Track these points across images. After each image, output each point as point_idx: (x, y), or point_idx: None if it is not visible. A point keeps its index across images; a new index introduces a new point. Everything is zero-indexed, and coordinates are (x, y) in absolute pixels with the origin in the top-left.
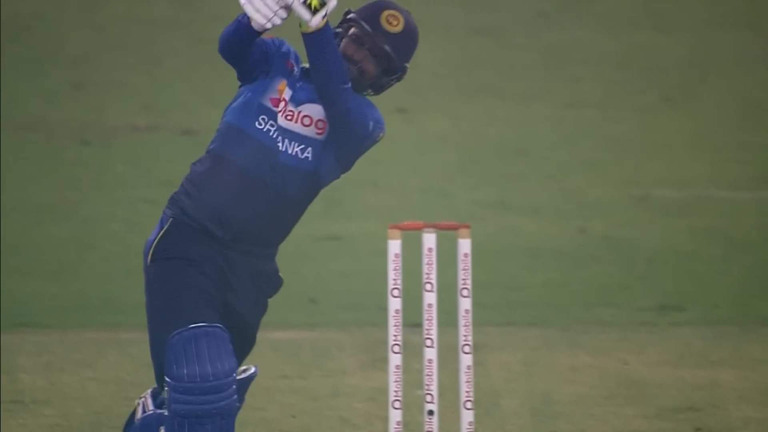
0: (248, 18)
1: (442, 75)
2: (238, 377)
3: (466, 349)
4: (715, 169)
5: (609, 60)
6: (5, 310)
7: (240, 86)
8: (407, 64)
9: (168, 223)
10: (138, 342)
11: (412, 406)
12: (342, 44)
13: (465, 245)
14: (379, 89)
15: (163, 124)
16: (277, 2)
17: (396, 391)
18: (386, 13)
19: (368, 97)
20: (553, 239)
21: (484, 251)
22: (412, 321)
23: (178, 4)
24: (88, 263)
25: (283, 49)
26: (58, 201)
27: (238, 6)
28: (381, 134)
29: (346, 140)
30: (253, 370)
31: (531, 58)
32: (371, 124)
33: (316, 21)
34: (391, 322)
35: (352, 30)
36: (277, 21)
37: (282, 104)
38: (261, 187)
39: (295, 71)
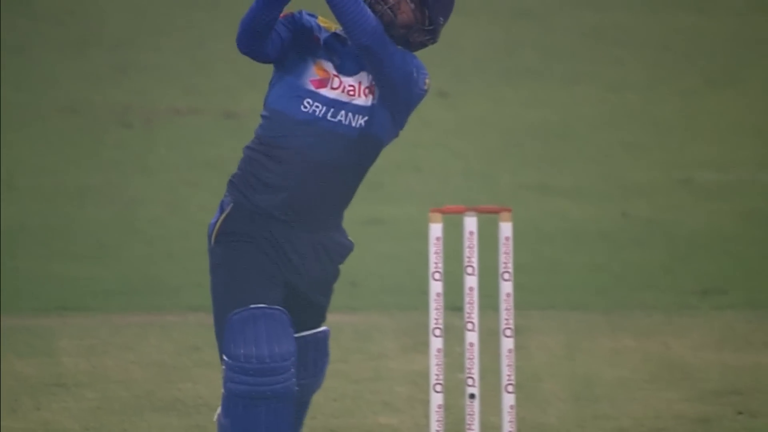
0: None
1: (483, 58)
2: (309, 333)
3: (508, 332)
4: (758, 151)
5: (652, 42)
6: (48, 293)
7: (275, 70)
8: (442, 21)
9: (229, 207)
10: (180, 325)
11: (454, 389)
12: None
13: (506, 228)
14: (411, 45)
15: (205, 107)
16: None
17: (437, 375)
18: None
19: None
20: (596, 222)
21: (526, 234)
22: (454, 304)
23: None
24: (130, 246)
25: (305, 22)
26: (100, 184)
27: None
28: (427, 80)
29: (395, 94)
30: (323, 328)
31: (573, 41)
32: (413, 70)
33: None
34: (433, 305)
35: None
36: None
37: (324, 80)
38: (320, 167)
39: (322, 44)
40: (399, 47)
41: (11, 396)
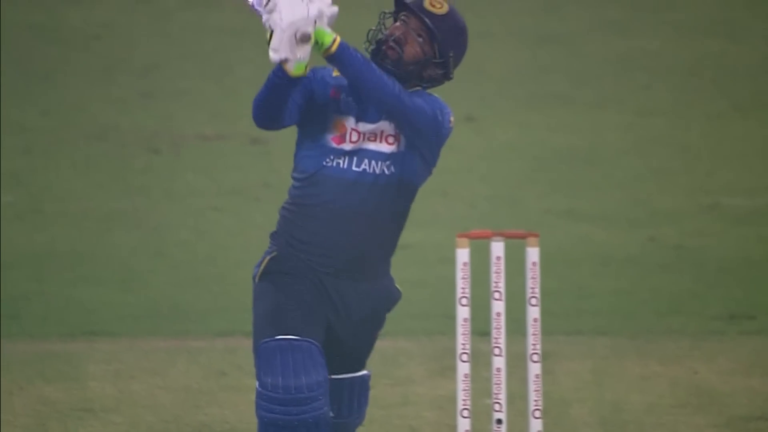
0: (281, 71)
1: (510, 83)
2: (347, 376)
3: (535, 357)
4: None
5: (679, 68)
6: (75, 318)
7: (298, 130)
8: (452, 54)
9: (274, 252)
10: (207, 350)
11: (481, 414)
12: (390, 28)
13: (533, 254)
14: (426, 81)
15: (232, 132)
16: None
17: (464, 400)
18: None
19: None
20: (623, 247)
21: (553, 259)
22: (481, 329)
23: (247, 12)
24: (157, 271)
25: (318, 83)
26: (127, 209)
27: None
28: (451, 118)
29: (422, 139)
30: (364, 372)
31: (600, 66)
32: (438, 113)
33: (329, 38)
34: (460, 330)
35: (401, 15)
36: (313, 13)
37: (343, 135)
38: (354, 219)
39: (341, 97)
40: (417, 88)
41: (39, 421)
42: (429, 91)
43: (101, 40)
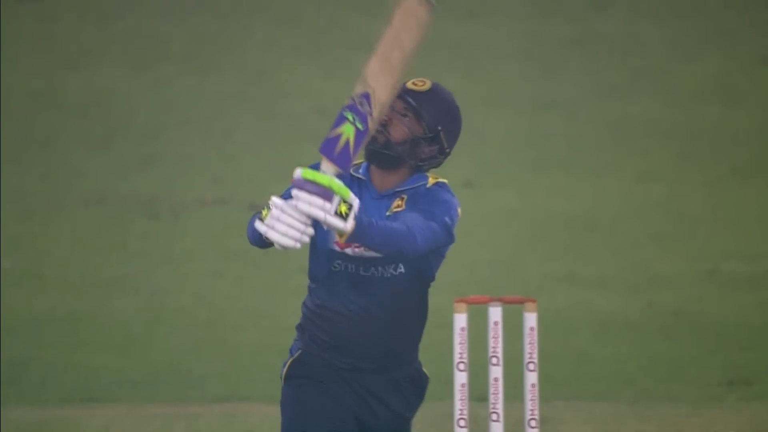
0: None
1: (509, 149)
2: None
3: (533, 423)
4: None
5: (678, 133)
6: (74, 383)
7: None
8: (440, 128)
9: (298, 353)
10: (205, 416)
11: None
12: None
13: (531, 319)
14: (421, 159)
15: (231, 197)
16: (305, 222)
17: None
18: (414, 78)
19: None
20: (622, 313)
21: (552, 324)
22: (479, 395)
23: (246, 78)
24: (156, 337)
25: None
26: (126, 274)
27: (306, 79)
28: (459, 209)
29: (436, 249)
30: None
31: (599, 132)
32: (449, 225)
33: (350, 225)
34: (457, 395)
35: None
36: (306, 239)
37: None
38: (374, 320)
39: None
40: (433, 183)
41: None
42: (432, 172)
43: (101, 106)
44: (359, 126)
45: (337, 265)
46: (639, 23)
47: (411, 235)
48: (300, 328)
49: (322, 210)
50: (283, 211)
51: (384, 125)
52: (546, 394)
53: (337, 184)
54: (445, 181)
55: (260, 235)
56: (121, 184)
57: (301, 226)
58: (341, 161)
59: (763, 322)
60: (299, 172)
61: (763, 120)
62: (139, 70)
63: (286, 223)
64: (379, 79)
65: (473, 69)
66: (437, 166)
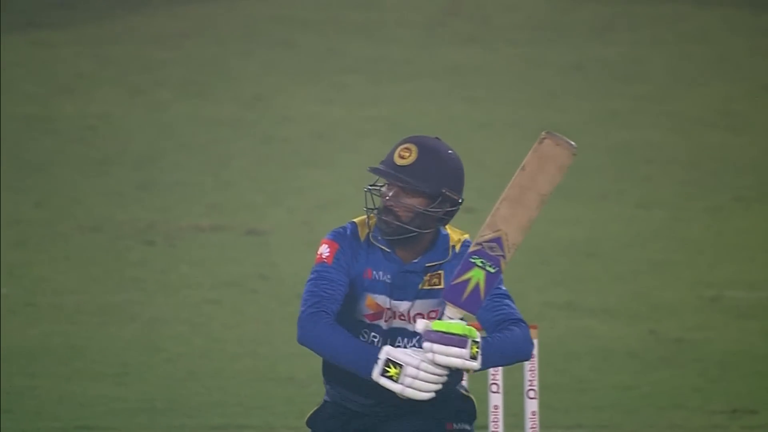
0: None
1: (510, 174)
2: None
3: None
4: None
5: (680, 160)
6: (69, 413)
7: None
8: (445, 191)
9: (321, 403)
10: None
11: None
12: (382, 195)
13: None
14: (439, 221)
15: (228, 224)
16: (442, 373)
17: None
18: (400, 147)
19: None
20: (624, 341)
21: (553, 353)
22: (479, 423)
23: (243, 104)
24: (152, 365)
25: (352, 262)
26: (122, 302)
27: (304, 104)
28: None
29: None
30: None
31: (601, 158)
32: (510, 304)
33: (479, 362)
34: None
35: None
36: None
37: (378, 314)
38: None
39: (373, 275)
40: (464, 239)
41: None
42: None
43: (96, 132)
44: (490, 269)
45: (364, 335)
46: (641, 49)
47: (527, 343)
48: (325, 373)
49: (461, 357)
50: (419, 368)
51: (388, 214)
52: (546, 423)
53: (469, 329)
54: (467, 236)
55: (325, 343)
56: (117, 211)
57: (441, 378)
58: (470, 305)
59: (766, 349)
60: (429, 325)
61: (766, 147)
62: (136, 95)
63: (425, 380)
64: (511, 223)
65: (473, 94)
66: (452, 216)
